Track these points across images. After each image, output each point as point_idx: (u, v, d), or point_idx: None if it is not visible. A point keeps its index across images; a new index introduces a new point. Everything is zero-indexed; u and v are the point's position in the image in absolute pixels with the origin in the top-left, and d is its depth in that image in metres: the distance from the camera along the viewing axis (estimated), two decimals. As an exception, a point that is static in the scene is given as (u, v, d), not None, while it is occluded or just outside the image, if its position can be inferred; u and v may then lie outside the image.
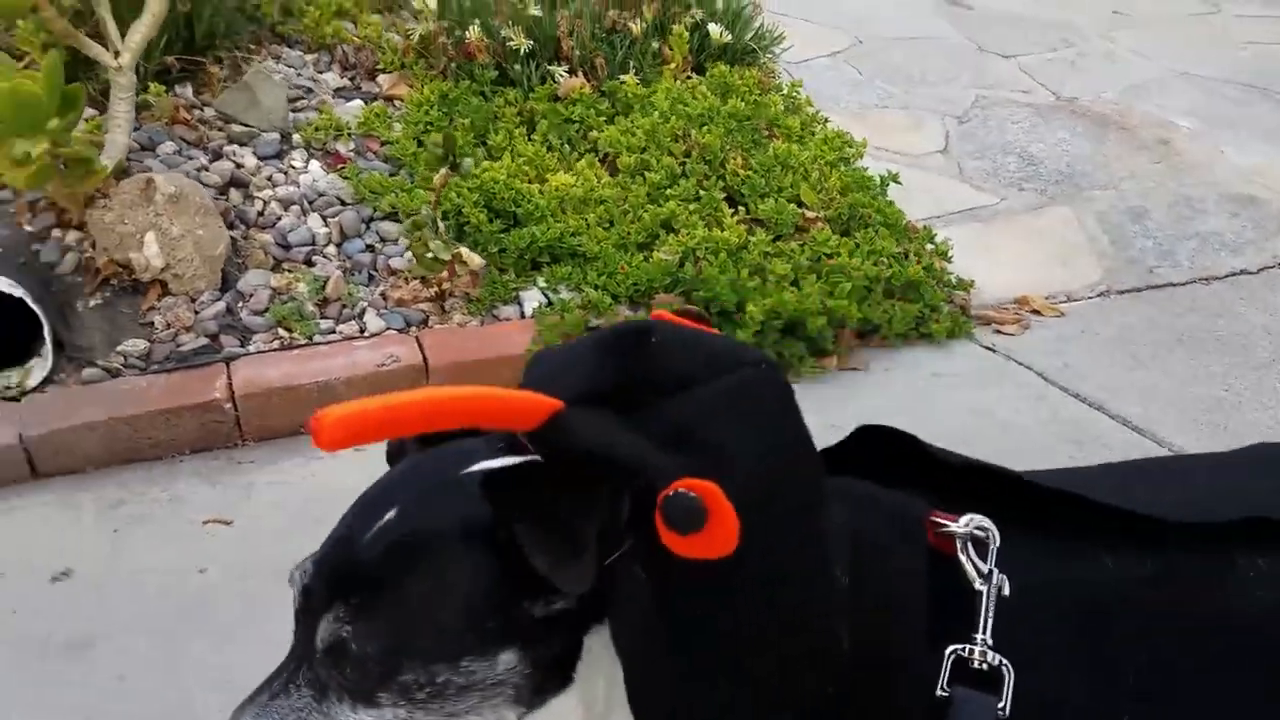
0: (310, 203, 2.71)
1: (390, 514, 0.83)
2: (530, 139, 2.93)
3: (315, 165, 2.84)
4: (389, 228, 2.67)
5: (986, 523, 0.90)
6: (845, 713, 0.85)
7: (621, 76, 3.10)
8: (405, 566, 0.81)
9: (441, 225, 2.33)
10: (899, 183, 2.91)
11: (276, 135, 2.90)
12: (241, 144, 2.85)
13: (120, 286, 2.38)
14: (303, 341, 2.35)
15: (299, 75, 3.22)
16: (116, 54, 2.49)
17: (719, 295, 2.33)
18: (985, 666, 0.84)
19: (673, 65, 3.24)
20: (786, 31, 3.68)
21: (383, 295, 2.51)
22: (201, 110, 2.95)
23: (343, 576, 0.82)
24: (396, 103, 3.13)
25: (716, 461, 0.78)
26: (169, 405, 2.15)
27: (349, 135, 2.95)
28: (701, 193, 2.69)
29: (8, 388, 2.16)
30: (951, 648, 0.84)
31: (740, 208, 2.71)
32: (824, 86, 3.86)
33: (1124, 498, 0.95)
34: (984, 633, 0.85)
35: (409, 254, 2.60)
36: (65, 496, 2.03)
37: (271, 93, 2.92)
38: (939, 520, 0.91)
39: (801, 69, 3.88)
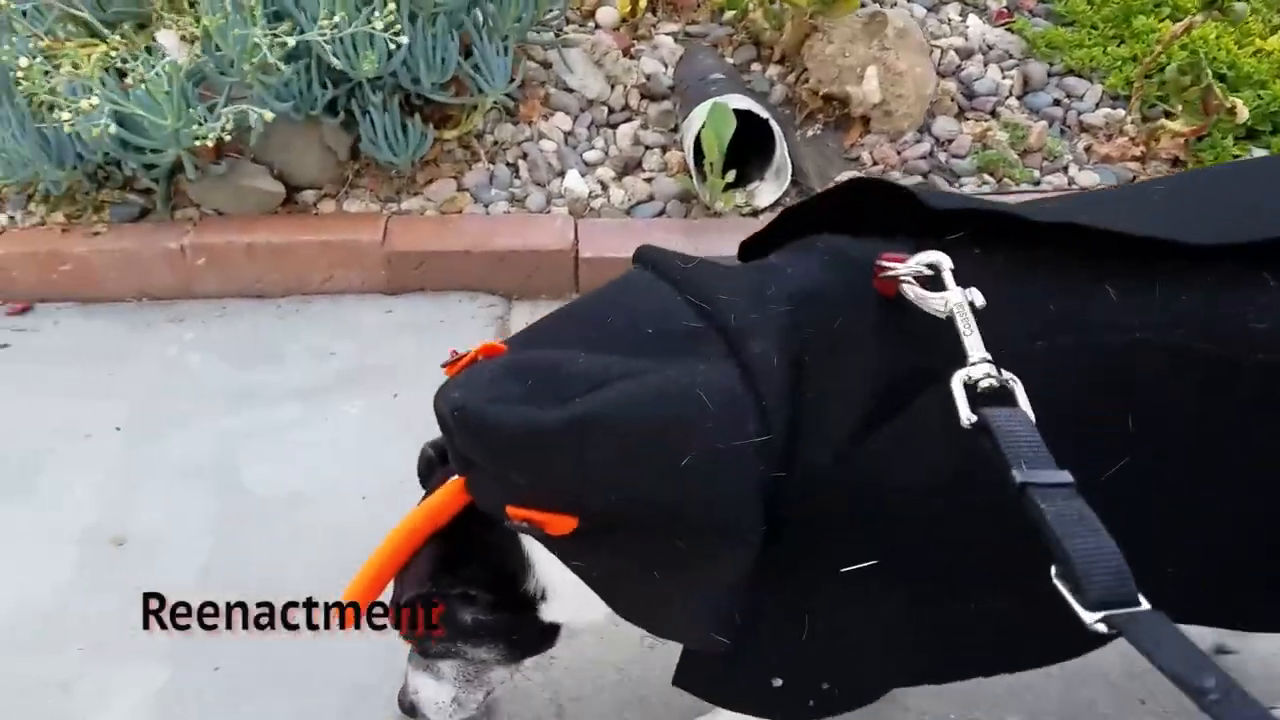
0: (983, 54, 2.61)
1: None
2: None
3: (974, 19, 2.73)
4: (1075, 83, 2.51)
5: (937, 257, 0.83)
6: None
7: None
8: None
9: (1209, 71, 2.12)
10: None
11: (930, -13, 2.82)
12: (896, -5, 2.80)
13: (826, 120, 2.42)
14: (1014, 188, 2.28)
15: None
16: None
17: None
18: (993, 383, 0.75)
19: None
20: None
21: (1085, 150, 2.37)
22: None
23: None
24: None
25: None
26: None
27: (1001, -10, 2.81)
28: None
29: (738, 206, 2.26)
30: (958, 373, 0.76)
31: None
32: None
33: (1137, 222, 0.85)
34: (979, 349, 0.77)
35: (1102, 110, 2.43)
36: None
37: (931, -58, 2.83)
38: (886, 264, 0.84)
39: None
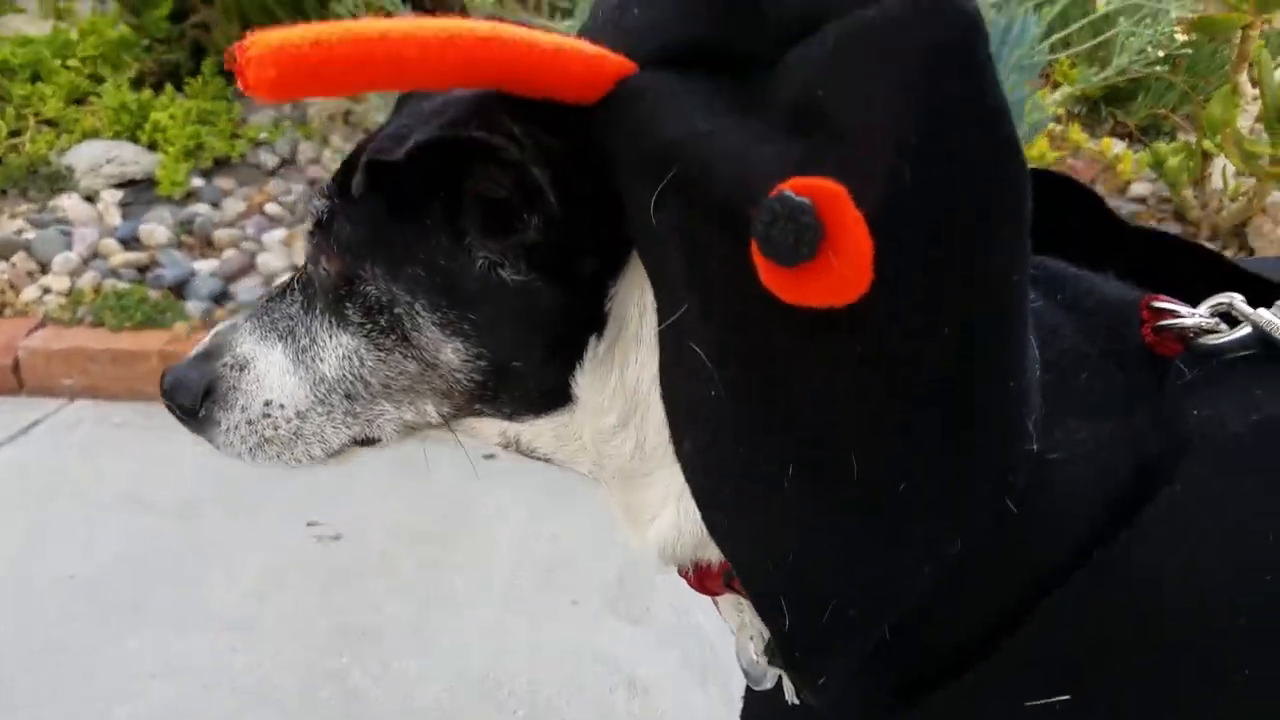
0: None
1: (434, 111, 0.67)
2: None
3: None
4: None
5: (1234, 299, 0.66)
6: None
7: None
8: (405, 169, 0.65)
9: None
10: None
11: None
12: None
13: (1275, 306, 2.20)
14: None
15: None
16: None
17: None
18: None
19: None
20: None
21: None
22: None
23: (353, 163, 0.73)
24: None
25: (842, 152, 0.49)
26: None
27: None
28: None
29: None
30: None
31: None
32: None
33: None
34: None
35: None
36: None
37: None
38: (1162, 306, 0.68)
39: None
